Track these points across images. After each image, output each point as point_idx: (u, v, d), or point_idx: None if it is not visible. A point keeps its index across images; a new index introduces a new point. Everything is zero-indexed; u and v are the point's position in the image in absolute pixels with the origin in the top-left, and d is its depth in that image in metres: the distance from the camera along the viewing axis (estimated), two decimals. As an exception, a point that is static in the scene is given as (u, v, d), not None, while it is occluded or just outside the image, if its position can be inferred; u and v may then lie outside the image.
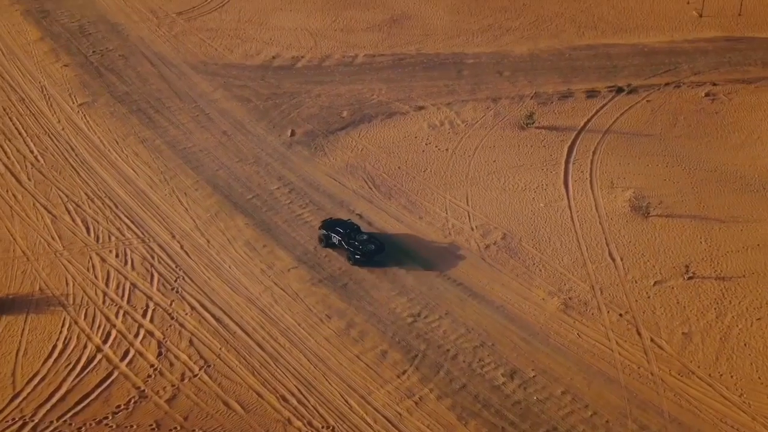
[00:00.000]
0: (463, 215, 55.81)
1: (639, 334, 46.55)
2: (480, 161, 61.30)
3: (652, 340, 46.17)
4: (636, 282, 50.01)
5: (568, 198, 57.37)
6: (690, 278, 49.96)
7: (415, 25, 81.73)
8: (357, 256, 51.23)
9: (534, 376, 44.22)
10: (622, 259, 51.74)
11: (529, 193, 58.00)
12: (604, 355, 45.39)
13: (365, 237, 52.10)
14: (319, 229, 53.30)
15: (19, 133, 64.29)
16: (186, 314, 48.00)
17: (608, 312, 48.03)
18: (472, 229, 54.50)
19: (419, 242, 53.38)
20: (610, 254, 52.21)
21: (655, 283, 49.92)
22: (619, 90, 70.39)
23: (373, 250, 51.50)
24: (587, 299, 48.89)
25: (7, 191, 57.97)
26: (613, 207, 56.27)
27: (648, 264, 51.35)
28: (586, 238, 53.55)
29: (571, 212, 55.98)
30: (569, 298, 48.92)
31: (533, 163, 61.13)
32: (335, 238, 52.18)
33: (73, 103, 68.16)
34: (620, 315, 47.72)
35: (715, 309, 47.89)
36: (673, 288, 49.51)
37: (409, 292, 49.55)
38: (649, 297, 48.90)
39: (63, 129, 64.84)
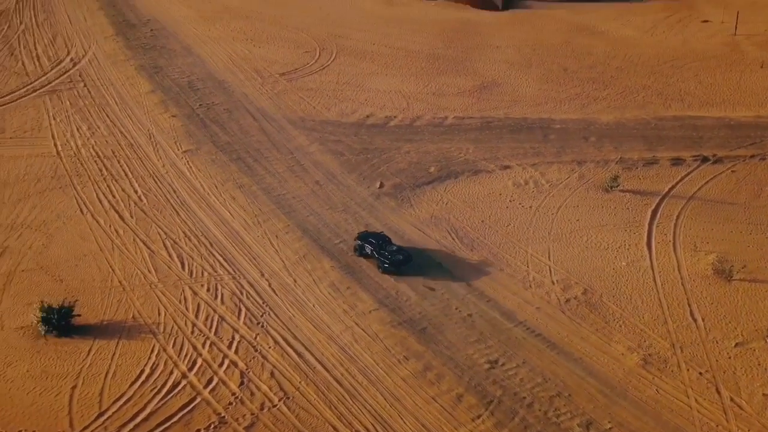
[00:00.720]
0: (545, 269, 56.58)
1: (719, 392, 46.17)
2: (563, 219, 62.20)
3: (731, 399, 45.72)
4: (717, 342, 49.72)
5: (650, 258, 57.61)
6: (773, 341, 49.57)
7: (504, 91, 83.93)
8: (386, 265, 55.93)
9: (610, 429, 44.20)
10: (703, 320, 51.55)
11: (611, 251, 58.47)
12: (683, 412, 45.11)
13: (395, 248, 56.81)
14: (355, 240, 57.95)
15: (126, 175, 68.35)
16: (269, 348, 49.82)
17: (688, 370, 47.81)
18: (553, 283, 55.18)
19: (499, 292, 54.30)
20: (692, 314, 52.09)
21: (737, 344, 49.55)
22: (705, 159, 70.63)
23: (401, 260, 56.00)
24: (667, 356, 48.78)
25: (110, 227, 61.52)
26: (696, 269, 56.25)
27: (730, 326, 51.04)
28: (667, 298, 53.60)
29: (653, 272, 56.17)
30: (649, 355, 48.91)
31: (616, 223, 61.68)
32: (368, 248, 57.00)
33: (178, 149, 72.18)
34: (700, 373, 47.45)
35: (798, 373, 47.27)
36: (754, 350, 49.04)
37: (487, 339, 50.36)
38: (729, 357, 48.53)
39: (167, 173, 68.65)
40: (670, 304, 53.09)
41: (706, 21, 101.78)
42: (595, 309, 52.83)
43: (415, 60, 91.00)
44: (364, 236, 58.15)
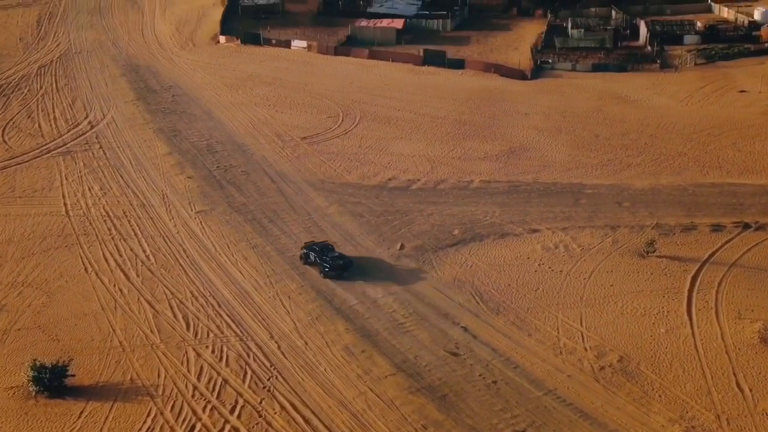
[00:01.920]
0: (576, 335, 52.26)
1: (772, 471, 41.30)
2: (596, 284, 58.05)
3: (787, 479, 40.82)
4: (767, 415, 44.87)
5: (691, 326, 53.12)
6: (832, 416, 44.59)
7: (532, 156, 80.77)
8: (326, 269, 58.68)
9: None
10: (751, 390, 46.76)
11: (648, 318, 54.09)
12: (732, 492, 40.30)
13: (336, 254, 59.89)
14: (301, 249, 61.12)
15: (135, 234, 65.48)
16: (275, 413, 45.69)
17: (736, 445, 43.06)
18: (586, 350, 50.78)
19: (527, 358, 49.98)
20: (738, 384, 47.34)
21: (791, 418, 44.73)
22: (746, 226, 66.42)
23: (341, 264, 58.96)
24: (712, 429, 43.98)
25: (114, 286, 58.35)
26: (741, 338, 51.63)
27: (782, 398, 46.28)
28: (711, 366, 48.95)
29: (694, 340, 51.63)
30: (692, 427, 44.15)
31: (653, 290, 57.39)
32: (312, 256, 59.89)
33: (192, 210, 69.39)
34: (750, 449, 42.64)
35: None
36: (811, 425, 44.16)
37: (514, 408, 45.87)
38: (783, 432, 43.69)
39: (178, 233, 65.70)
40: (713, 373, 48.42)
41: (742, 91, 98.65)
42: (632, 377, 48.27)
43: (441, 125, 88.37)
44: (310, 246, 60.94)
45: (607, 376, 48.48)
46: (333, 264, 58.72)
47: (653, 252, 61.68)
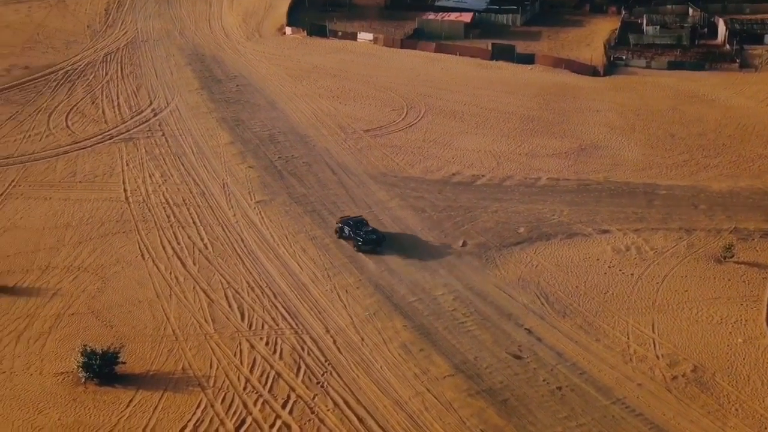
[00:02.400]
0: (648, 342, 49.38)
1: None
2: (669, 289, 54.99)
3: None
4: None
5: (772, 336, 49.94)
6: None
7: (604, 155, 77.55)
8: (360, 243, 59.61)
9: None
10: (840, 408, 43.53)
11: (725, 326, 50.93)
12: None
13: (370, 229, 60.95)
14: (336, 224, 62.22)
15: (194, 223, 64.42)
16: (328, 410, 43.93)
17: (821, 467, 39.86)
18: (658, 358, 47.89)
19: (594, 364, 47.32)
20: (825, 401, 44.14)
21: None
22: (835, 234, 62.68)
23: (374, 239, 59.92)
24: (795, 448, 40.96)
25: (170, 273, 57.29)
26: (828, 351, 48.28)
27: None
28: (794, 381, 45.78)
29: (775, 351, 48.46)
30: (772, 445, 41.18)
31: (731, 297, 54.13)
32: (346, 230, 60.81)
33: (251, 199, 68.11)
34: (837, 472, 39.42)
35: None
36: None
37: (579, 417, 43.32)
38: None
39: (236, 222, 64.46)
40: (797, 388, 45.25)
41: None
42: (706, 389, 45.28)
43: (508, 121, 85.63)
44: (345, 220, 62.07)
45: (680, 386, 45.56)
46: (366, 238, 59.75)
47: (731, 257, 58.34)
